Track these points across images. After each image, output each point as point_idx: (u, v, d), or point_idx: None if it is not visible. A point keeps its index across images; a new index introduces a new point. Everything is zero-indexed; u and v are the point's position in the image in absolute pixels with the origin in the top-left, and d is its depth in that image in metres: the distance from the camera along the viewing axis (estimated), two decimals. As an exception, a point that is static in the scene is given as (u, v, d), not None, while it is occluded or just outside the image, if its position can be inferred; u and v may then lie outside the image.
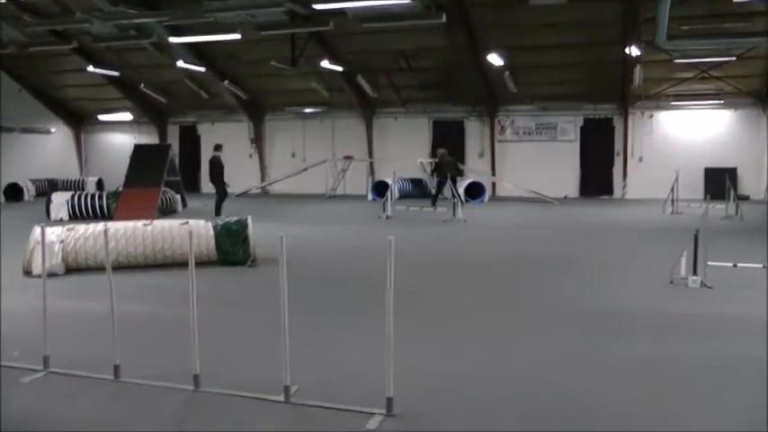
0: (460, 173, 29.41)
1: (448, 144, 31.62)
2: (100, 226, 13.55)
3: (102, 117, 38.09)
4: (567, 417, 6.22)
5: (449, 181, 24.68)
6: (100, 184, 34.61)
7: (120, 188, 24.06)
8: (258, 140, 35.65)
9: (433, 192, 27.06)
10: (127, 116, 37.45)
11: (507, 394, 6.79)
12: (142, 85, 33.54)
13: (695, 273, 11.72)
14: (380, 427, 5.89)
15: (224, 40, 26.28)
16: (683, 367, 7.59)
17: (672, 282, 11.85)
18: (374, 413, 6.08)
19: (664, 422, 6.08)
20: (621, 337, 8.78)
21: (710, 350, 8.16)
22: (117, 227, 13.76)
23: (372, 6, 20.92)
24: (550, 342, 8.62)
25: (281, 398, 6.41)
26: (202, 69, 30.60)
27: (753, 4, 21.62)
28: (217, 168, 23.80)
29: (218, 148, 24.50)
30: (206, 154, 35.78)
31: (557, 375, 7.36)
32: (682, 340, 8.65)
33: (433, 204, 25.75)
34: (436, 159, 27.73)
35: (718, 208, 23.14)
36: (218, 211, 22.27)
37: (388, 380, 6.09)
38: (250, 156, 35.56)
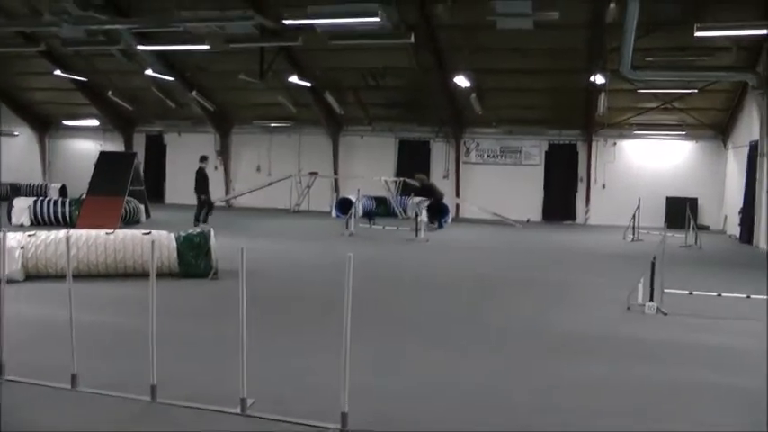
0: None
1: (413, 164, 31.96)
2: (61, 233, 13.48)
3: (67, 122, 37.78)
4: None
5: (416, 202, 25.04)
6: (63, 191, 34.32)
7: (84, 196, 23.91)
8: (224, 153, 35.59)
9: (427, 216, 26.05)
10: (93, 122, 37.19)
11: (459, 411, 6.89)
12: (110, 92, 33.38)
13: (651, 299, 11.92)
14: (335, 442, 5.95)
15: (193, 51, 26.31)
16: (633, 389, 7.74)
17: (629, 308, 12.04)
18: (329, 428, 6.14)
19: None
20: (574, 360, 8.92)
21: (661, 374, 8.32)
22: (79, 234, 13.65)
23: (342, 24, 21.05)
24: (505, 362, 8.75)
25: (238, 410, 6.45)
26: (171, 79, 30.55)
27: (715, 40, 22.05)
28: (201, 179, 24.11)
29: (203, 159, 24.97)
30: (172, 164, 35.89)
31: (509, 394, 7.48)
32: (634, 364, 8.79)
33: (440, 226, 26.07)
34: (416, 183, 27.65)
35: (678, 237, 23.47)
36: (197, 221, 22.83)
37: (343, 395, 6.14)
38: (215, 168, 35.37)
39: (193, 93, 32.04)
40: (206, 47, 24.10)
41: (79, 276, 12.73)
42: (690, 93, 27.52)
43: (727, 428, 6.66)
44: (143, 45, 25.59)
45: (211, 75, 31.00)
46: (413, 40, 22.30)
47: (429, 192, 27.13)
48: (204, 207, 23.98)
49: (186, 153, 35.50)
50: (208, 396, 6.79)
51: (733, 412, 7.18)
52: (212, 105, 33.51)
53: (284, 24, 21.41)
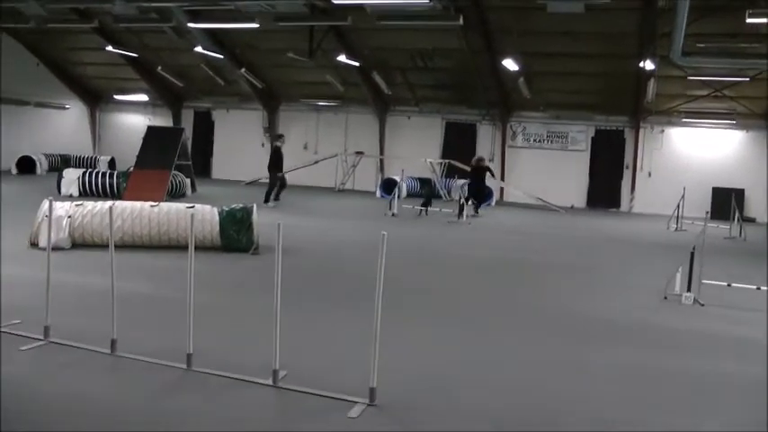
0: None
1: (459, 146, 31.96)
2: (107, 204, 13.73)
3: (117, 97, 38.33)
4: (546, 418, 6.39)
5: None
6: (112, 164, 34.85)
7: (132, 168, 24.28)
8: (271, 130, 35.79)
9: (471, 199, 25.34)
10: (142, 97, 37.67)
11: (488, 393, 6.96)
12: (159, 67, 33.80)
13: (689, 289, 11.87)
14: (362, 416, 6.06)
15: (242, 29, 26.50)
16: (664, 378, 7.76)
17: (666, 297, 12.00)
18: (357, 402, 6.26)
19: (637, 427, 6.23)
20: (606, 347, 8.95)
21: (692, 365, 8.33)
22: (124, 206, 13.94)
23: (391, 4, 21.08)
24: (538, 347, 8.80)
25: (270, 381, 6.60)
26: (220, 56, 30.80)
27: (768, 27, 21.72)
28: (276, 157, 24.49)
29: (279, 137, 25.48)
30: (219, 140, 36.25)
31: (540, 379, 7.54)
32: (664, 354, 8.79)
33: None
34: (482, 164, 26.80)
35: (723, 228, 23.25)
36: (267, 199, 23.41)
37: (373, 370, 6.27)
38: (262, 145, 35.70)
39: (242, 70, 32.28)
40: (255, 25, 24.28)
41: (123, 247, 13.01)
42: (741, 81, 27.06)
43: (754, 422, 6.67)
44: (193, 23, 25.85)
45: (260, 52, 31.23)
46: (462, 21, 22.26)
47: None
48: (276, 184, 24.22)
49: (234, 130, 36.05)
50: (242, 367, 6.93)
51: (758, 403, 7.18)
52: (260, 83, 33.75)
53: (334, 3, 21.49)
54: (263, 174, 33.75)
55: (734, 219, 23.26)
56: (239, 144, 35.89)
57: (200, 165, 33.85)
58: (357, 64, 29.73)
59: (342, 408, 6.17)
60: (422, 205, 24.20)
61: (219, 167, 36.62)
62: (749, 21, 17.65)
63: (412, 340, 8.57)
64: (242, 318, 9.21)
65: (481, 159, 26.29)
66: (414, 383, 7.04)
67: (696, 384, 7.72)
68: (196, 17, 25.75)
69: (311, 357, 7.62)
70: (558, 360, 8.28)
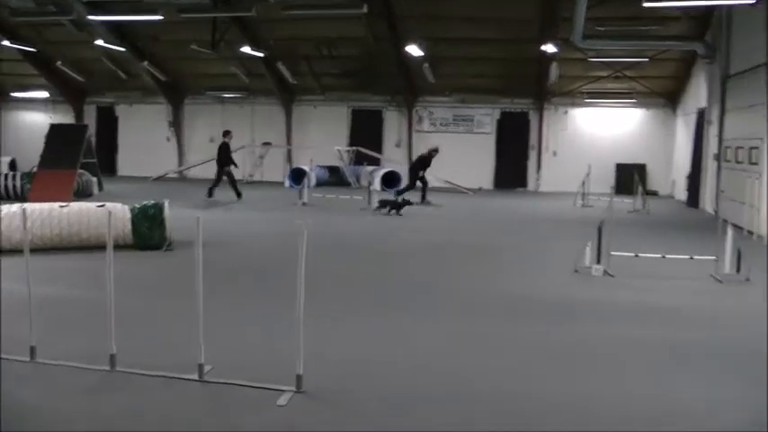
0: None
1: (366, 133, 32.11)
2: (15, 207, 13.43)
3: (16, 94, 37.25)
4: (469, 395, 6.56)
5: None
6: (13, 165, 33.85)
7: (35, 169, 23.72)
8: (176, 124, 35.36)
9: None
10: (43, 94, 36.68)
11: (413, 374, 7.10)
12: (59, 62, 32.98)
13: (599, 262, 12.26)
14: (290, 403, 6.15)
15: (145, 21, 26.09)
16: (580, 347, 8.09)
17: (576, 270, 12.38)
18: (284, 390, 6.33)
19: (561, 397, 6.44)
20: (524, 321, 9.25)
21: (607, 332, 8.67)
22: (33, 208, 13.62)
23: (295, -7, 21.07)
24: (458, 325, 9.02)
25: (196, 376, 6.61)
26: (122, 49, 30.24)
27: (665, 9, 22.39)
28: (223, 152, 24.41)
29: (227, 134, 25.09)
30: (124, 136, 35.60)
31: (462, 356, 7.75)
32: (580, 323, 9.15)
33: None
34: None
35: (627, 202, 23.99)
36: (210, 193, 23.92)
37: (299, 358, 6.35)
38: (168, 139, 35.24)
39: (145, 63, 31.75)
40: (159, 17, 23.93)
41: (34, 250, 12.68)
42: (640, 61, 27.94)
43: (675, 377, 7.00)
44: (94, 15, 25.32)
45: (163, 45, 30.76)
46: (366, 9, 22.33)
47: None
48: (221, 179, 24.39)
49: (138, 124, 35.41)
50: (167, 364, 6.91)
51: (681, 363, 7.58)
52: (164, 76, 33.26)
53: (237, -6, 21.38)
54: (171, 168, 33.54)
55: (637, 193, 24.05)
56: (145, 139, 35.29)
57: (106, 162, 33.13)
58: (261, 55, 29.54)
59: (270, 397, 6.23)
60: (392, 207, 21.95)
61: (125, 164, 35.96)
62: (647, 4, 18.16)
63: (336, 327, 8.67)
64: (163, 315, 9.15)
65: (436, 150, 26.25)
66: (340, 368, 7.15)
67: (605, 350, 8.06)
68: (96, 9, 25.21)
69: (236, 350, 7.64)
70: (480, 337, 8.50)
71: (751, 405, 6.40)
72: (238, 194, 24.27)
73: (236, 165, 24.76)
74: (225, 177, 24.27)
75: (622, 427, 5.94)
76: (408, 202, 21.49)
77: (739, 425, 6.05)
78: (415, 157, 26.65)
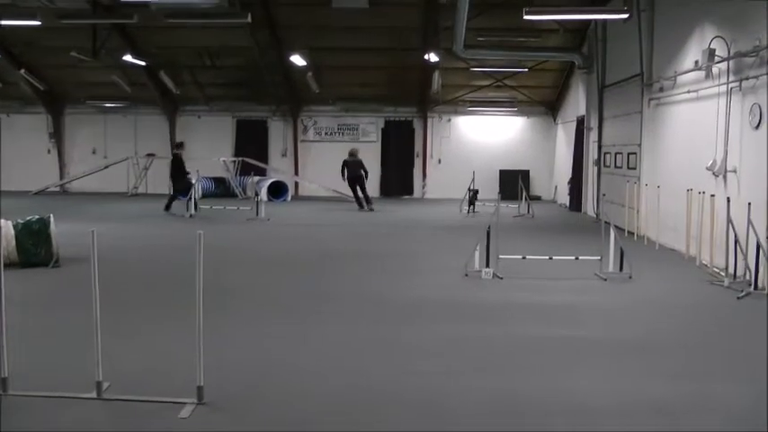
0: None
1: (252, 143, 31.99)
2: None
3: None
4: (372, 399, 6.66)
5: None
6: None
7: None
8: (57, 135, 34.29)
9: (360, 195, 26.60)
10: None
11: (311, 379, 7.18)
12: (-75, 71, 31.66)
13: (488, 265, 12.56)
14: (192, 415, 6.12)
15: (20, 26, 25.26)
16: (477, 347, 8.34)
17: (467, 274, 12.66)
18: (186, 403, 6.29)
19: (456, 398, 6.57)
20: (416, 324, 9.47)
21: (500, 332, 8.95)
22: None
23: (177, 2, 20.77)
24: (349, 331, 9.15)
25: (94, 394, 6.47)
26: (-5, 56, 29.28)
27: (544, 23, 23.22)
28: (177, 164, 24.52)
29: (179, 146, 25.48)
30: (3, 148, 34.27)
31: (361, 360, 7.89)
32: (473, 324, 9.44)
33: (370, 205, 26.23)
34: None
35: (512, 207, 24.57)
36: (168, 206, 23.88)
37: (199, 369, 6.32)
38: (48, 151, 34.20)
39: (22, 71, 30.70)
40: (36, 22, 23.18)
41: None
42: (520, 71, 28.72)
43: (572, 373, 7.25)
44: (-35, 19, 24.39)
45: (41, 52, 29.71)
46: (249, 19, 22.22)
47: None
48: (181, 191, 24.19)
49: (17, 136, 34.10)
50: (62, 384, 6.74)
51: (573, 358, 7.92)
52: (43, 84, 32.26)
53: (119, 0, 20.93)
54: (52, 181, 32.56)
55: (521, 198, 24.67)
56: (24, 151, 34.01)
57: (-19, 176, 32.01)
58: (144, 63, 29.03)
59: (172, 410, 6.18)
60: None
61: (4, 178, 34.33)
62: (526, 17, 18.68)
63: (235, 337, 8.66)
64: (55, 334, 8.88)
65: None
66: (241, 377, 7.16)
67: (516, 348, 8.36)
68: (-33, 13, 24.31)
69: (135, 365, 7.53)
70: (373, 341, 8.65)
71: (648, 396, 6.69)
72: (167, 207, 24.11)
73: (189, 180, 24.58)
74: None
75: (522, 420, 6.12)
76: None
77: (637, 413, 6.30)
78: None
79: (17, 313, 8.86)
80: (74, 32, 26.23)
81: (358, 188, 26.28)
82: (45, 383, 6.79)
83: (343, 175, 26.31)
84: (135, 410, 6.25)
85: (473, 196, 25.10)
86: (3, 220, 13.41)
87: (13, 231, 13.25)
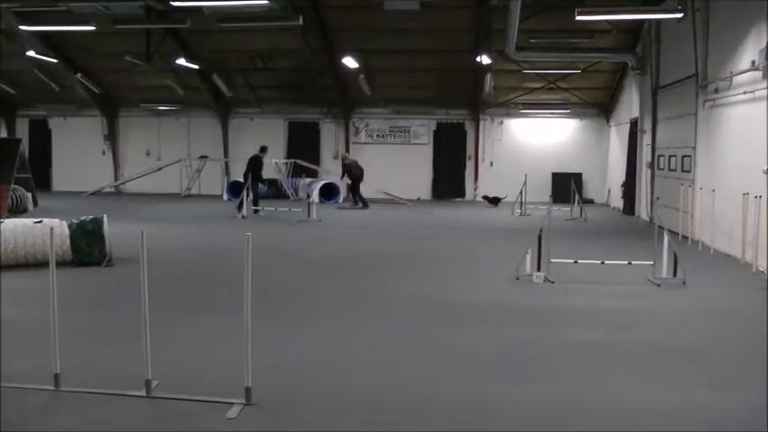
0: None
1: (303, 145, 32.16)
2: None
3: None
4: (424, 401, 6.59)
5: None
6: (-58, 181, 33.07)
7: (-34, 186, 23.21)
8: (112, 137, 34.83)
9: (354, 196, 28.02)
10: (-28, 108, 35.87)
11: (358, 381, 7.15)
12: (-11, 75, 32.32)
13: (539, 269, 12.44)
14: (240, 416, 6.12)
15: (77, 31, 25.69)
16: (524, 353, 8.21)
17: (518, 278, 12.54)
18: (234, 403, 6.30)
19: (501, 403, 6.52)
20: (466, 328, 9.36)
21: (550, 337, 8.81)
22: (-34, 225, 13.35)
23: (230, 5, 20.95)
24: (397, 333, 9.10)
25: (143, 393, 6.52)
26: (54, 60, 29.73)
27: (596, 23, 22.92)
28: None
29: (263, 149, 25.93)
30: (58, 149, 34.92)
31: (412, 363, 7.81)
32: (523, 329, 9.31)
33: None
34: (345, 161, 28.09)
35: (564, 210, 24.35)
36: (256, 203, 24.56)
37: (247, 370, 6.33)
38: (103, 153, 34.74)
39: (78, 75, 31.23)
40: (91, 27, 23.56)
41: (-32, 267, 12.48)
42: (573, 73, 28.47)
43: (621, 380, 7.14)
44: (25, 25, 24.84)
45: (96, 56, 30.27)
46: (301, 21, 22.32)
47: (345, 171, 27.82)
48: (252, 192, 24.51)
49: (73, 138, 34.76)
50: (113, 381, 6.81)
51: (623, 365, 7.75)
52: (98, 88, 32.77)
53: (171, 5, 21.13)
54: (107, 182, 33.04)
55: (574, 201, 24.46)
56: (79, 153, 34.69)
57: (40, 177, 32.43)
58: (197, 67, 29.34)
59: (219, 410, 6.19)
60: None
61: (60, 179, 35.25)
62: (579, 18, 18.54)
63: (283, 338, 8.66)
64: (106, 332, 8.99)
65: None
66: (289, 379, 7.14)
67: (542, 352, 8.27)
68: (27, 19, 24.73)
69: (184, 364, 7.58)
70: (422, 344, 8.57)
71: (696, 403, 6.56)
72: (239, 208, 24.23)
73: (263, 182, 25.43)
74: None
75: (574, 428, 6.04)
76: None
77: (684, 423, 6.18)
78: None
79: (70, 311, 8.99)
80: (128, 37, 26.65)
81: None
82: (96, 380, 6.87)
83: (348, 175, 27.30)
84: (183, 409, 6.29)
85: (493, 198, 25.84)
86: (57, 220, 13.70)
87: (67, 231, 13.50)
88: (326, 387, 6.94)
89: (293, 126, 33.90)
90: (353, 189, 27.87)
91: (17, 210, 22.90)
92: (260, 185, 25.45)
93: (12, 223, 13.74)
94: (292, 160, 31.29)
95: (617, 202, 28.39)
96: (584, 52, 25.80)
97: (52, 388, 6.69)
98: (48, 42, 29.06)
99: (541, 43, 24.82)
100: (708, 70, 18.52)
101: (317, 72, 29.51)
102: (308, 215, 22.68)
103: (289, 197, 29.71)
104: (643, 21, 23.69)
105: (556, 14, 22.86)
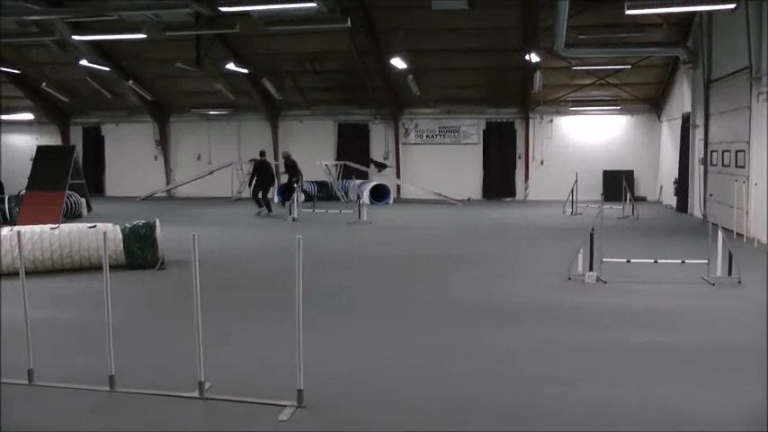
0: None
1: (353, 147, 32.20)
2: (5, 230, 13.40)
3: (1, 117, 37.04)
4: (455, 402, 6.58)
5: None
6: (0, 188, 33.69)
7: (23, 191, 23.63)
8: (163, 142, 35.24)
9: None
10: (28, 116, 36.48)
11: (410, 384, 7.14)
12: (44, 83, 32.85)
13: (591, 269, 12.32)
14: (292, 418, 6.16)
15: (128, 39, 26.05)
16: (577, 353, 8.15)
17: (569, 278, 12.44)
18: (286, 405, 6.34)
19: (550, 405, 6.47)
20: (517, 328, 9.33)
21: (603, 338, 8.71)
22: (23, 231, 13.55)
23: (277, 9, 21.05)
24: (447, 333, 9.10)
25: (196, 394, 6.61)
26: (106, 68, 30.17)
27: (646, 17, 22.54)
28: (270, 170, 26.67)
29: (262, 154, 26.94)
30: (111, 156, 35.43)
31: (449, 364, 7.81)
32: (575, 329, 9.21)
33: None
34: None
35: (616, 208, 24.10)
36: (267, 205, 25.55)
37: (299, 373, 6.36)
38: (155, 158, 35.17)
39: (130, 82, 31.64)
40: (142, 35, 23.88)
41: (26, 273, 12.64)
42: (623, 68, 28.11)
43: (673, 382, 7.06)
44: (77, 35, 25.26)
45: (148, 63, 30.68)
46: (349, 23, 22.38)
47: (290, 170, 27.26)
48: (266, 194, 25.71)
49: (125, 144, 35.28)
50: (166, 383, 6.91)
51: (676, 367, 7.62)
52: (149, 94, 33.17)
53: (220, 11, 21.31)
54: (159, 187, 33.44)
55: (626, 199, 24.19)
56: (132, 159, 35.19)
57: (93, 182, 33.03)
58: (246, 71, 29.55)
59: (271, 412, 6.25)
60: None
61: (113, 184, 35.80)
62: (628, 12, 18.32)
63: (334, 340, 8.70)
64: (160, 334, 9.14)
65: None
66: (340, 381, 7.17)
67: (593, 353, 8.18)
68: (79, 29, 25.16)
69: (236, 366, 7.65)
70: (473, 345, 8.57)
71: (750, 406, 6.44)
72: (261, 205, 25.54)
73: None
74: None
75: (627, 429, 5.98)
76: None
77: (738, 426, 6.08)
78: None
79: (124, 313, 9.13)
80: (178, 44, 26.95)
81: None
82: (149, 381, 6.98)
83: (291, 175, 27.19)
84: (235, 411, 6.35)
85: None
86: (111, 225, 13.91)
87: (120, 235, 13.71)
88: (378, 389, 6.96)
89: (343, 127, 33.96)
90: (266, 191, 26.68)
91: (72, 215, 23.29)
92: (299, 186, 26.11)
93: (67, 228, 13.98)
94: (342, 162, 31.35)
95: (669, 199, 27.98)
96: (633, 47, 25.44)
97: (107, 389, 6.82)
98: (100, 51, 29.50)
99: (590, 39, 24.52)
100: (762, 62, 18.14)
101: (365, 73, 29.56)
102: (359, 217, 22.72)
103: (339, 199, 29.78)
104: (694, 13, 23.22)
105: (604, 9, 22.61)
